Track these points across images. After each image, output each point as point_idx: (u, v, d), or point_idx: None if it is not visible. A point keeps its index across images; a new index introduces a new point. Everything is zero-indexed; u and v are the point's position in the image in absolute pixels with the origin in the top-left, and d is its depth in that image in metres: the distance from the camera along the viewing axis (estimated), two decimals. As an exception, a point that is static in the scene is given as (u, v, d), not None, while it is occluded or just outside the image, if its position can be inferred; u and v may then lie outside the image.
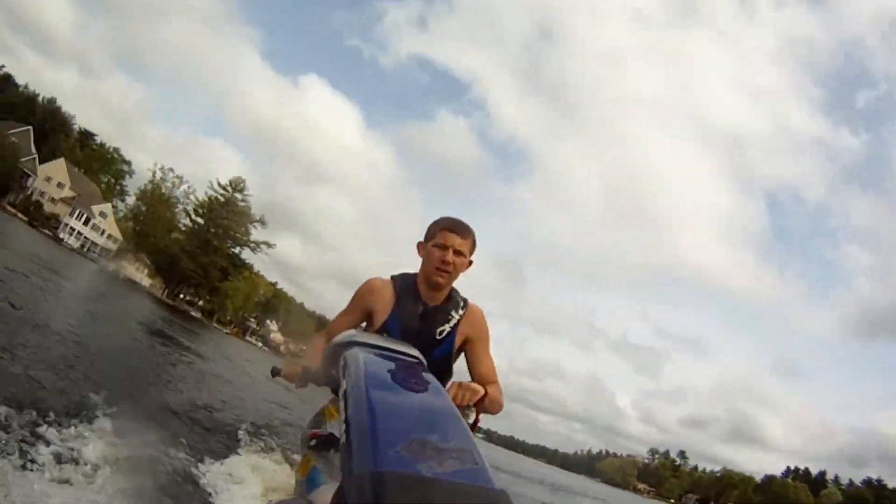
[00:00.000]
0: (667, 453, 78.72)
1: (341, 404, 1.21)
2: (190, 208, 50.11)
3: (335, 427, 1.75)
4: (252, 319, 58.16)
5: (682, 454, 77.82)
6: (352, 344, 1.49)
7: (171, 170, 52.78)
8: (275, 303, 61.06)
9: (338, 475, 1.55)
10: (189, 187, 52.32)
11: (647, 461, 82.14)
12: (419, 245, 2.00)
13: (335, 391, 1.55)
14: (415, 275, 2.00)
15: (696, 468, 79.36)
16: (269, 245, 49.92)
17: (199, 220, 48.64)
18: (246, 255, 50.69)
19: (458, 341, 1.96)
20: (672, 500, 76.65)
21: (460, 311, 1.97)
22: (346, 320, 1.98)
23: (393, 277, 2.03)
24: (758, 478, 75.61)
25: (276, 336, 59.43)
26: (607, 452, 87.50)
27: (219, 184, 48.91)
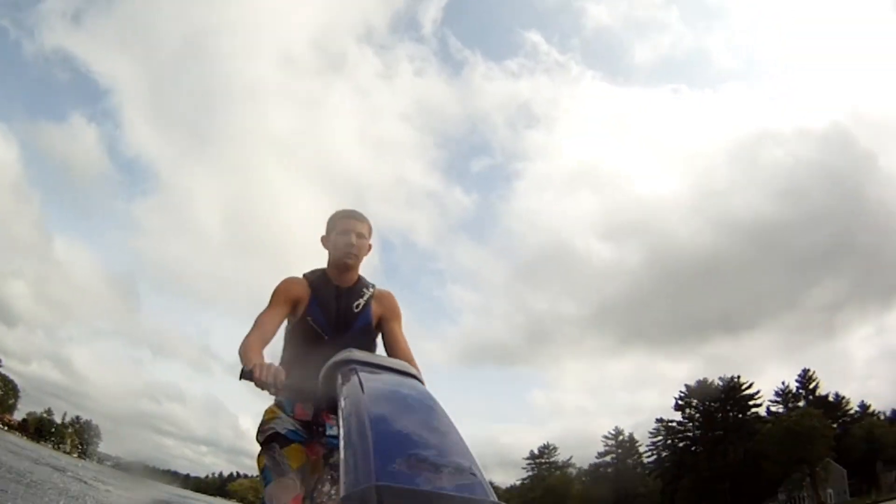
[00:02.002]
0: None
1: (339, 422, 1.23)
2: None
3: (279, 424, 1.95)
4: None
5: None
6: (349, 362, 1.48)
7: None
8: None
9: (282, 472, 1.85)
10: None
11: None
12: (322, 239, 2.20)
13: (332, 409, 1.54)
14: (323, 268, 2.19)
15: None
16: None
17: None
18: None
19: (374, 317, 2.15)
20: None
21: (370, 290, 2.17)
22: (271, 314, 2.06)
23: (304, 274, 2.19)
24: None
25: None
26: (238, 474, 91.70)
27: None
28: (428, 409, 1.28)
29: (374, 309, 2.15)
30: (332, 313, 2.08)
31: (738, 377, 50.38)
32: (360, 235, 2.13)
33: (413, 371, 1.56)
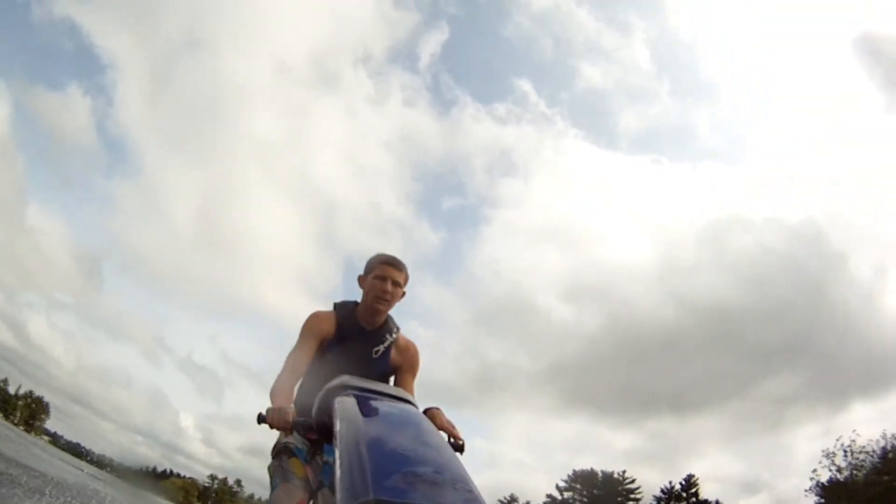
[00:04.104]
0: (225, 480, 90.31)
1: (335, 445, 1.25)
2: None
3: (289, 441, 2.05)
4: None
5: (238, 482, 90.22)
6: (344, 388, 1.52)
7: None
8: None
9: (287, 478, 1.94)
10: None
11: (207, 485, 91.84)
12: (360, 278, 2.30)
13: (327, 437, 1.57)
14: (355, 303, 2.30)
15: (252, 496, 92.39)
16: None
17: None
18: None
19: (391, 365, 2.26)
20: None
21: (393, 335, 2.27)
22: (301, 353, 2.16)
23: (335, 305, 2.32)
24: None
25: None
26: (171, 471, 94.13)
27: None
28: (423, 429, 1.33)
29: (393, 357, 2.26)
30: (351, 355, 2.17)
31: (624, 472, 55.23)
32: (395, 284, 2.22)
33: (408, 397, 1.66)
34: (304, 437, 2.00)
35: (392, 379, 2.29)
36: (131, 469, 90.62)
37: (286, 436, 2.06)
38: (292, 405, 1.90)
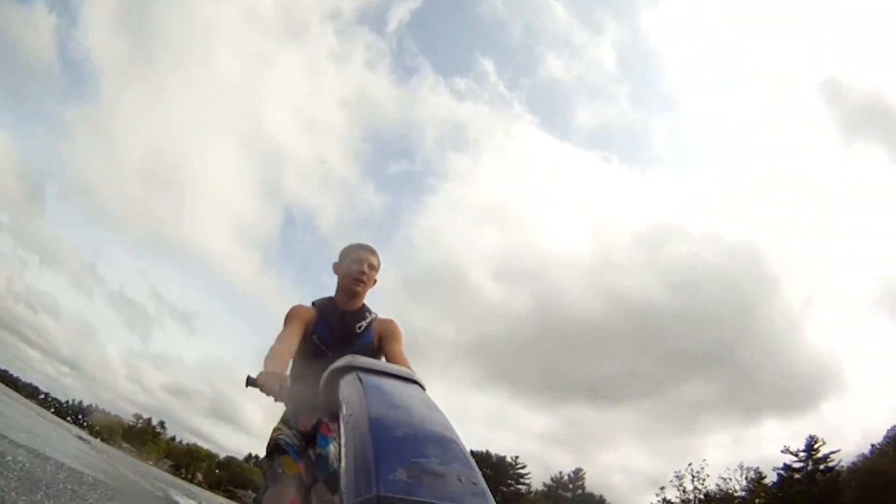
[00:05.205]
0: (150, 420, 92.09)
1: (340, 428, 1.21)
2: None
3: (281, 437, 2.07)
4: None
5: (161, 424, 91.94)
6: (350, 368, 1.44)
7: None
8: None
9: (277, 479, 1.91)
10: None
11: (132, 423, 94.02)
12: (335, 265, 2.41)
13: (334, 416, 1.53)
14: (331, 296, 2.40)
15: (173, 438, 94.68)
16: None
17: None
18: None
19: (375, 338, 2.31)
20: (151, 462, 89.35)
21: (373, 314, 2.37)
22: (288, 333, 2.18)
23: (313, 302, 2.39)
24: (223, 455, 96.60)
25: None
26: (97, 406, 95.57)
27: None
28: (430, 415, 1.24)
29: (376, 331, 2.33)
30: (336, 332, 2.28)
31: (517, 457, 61.45)
32: (371, 266, 2.36)
33: (415, 377, 1.54)
34: (296, 427, 2.14)
35: (381, 356, 2.31)
36: (58, 400, 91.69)
37: (278, 431, 2.13)
38: (287, 373, 1.92)
